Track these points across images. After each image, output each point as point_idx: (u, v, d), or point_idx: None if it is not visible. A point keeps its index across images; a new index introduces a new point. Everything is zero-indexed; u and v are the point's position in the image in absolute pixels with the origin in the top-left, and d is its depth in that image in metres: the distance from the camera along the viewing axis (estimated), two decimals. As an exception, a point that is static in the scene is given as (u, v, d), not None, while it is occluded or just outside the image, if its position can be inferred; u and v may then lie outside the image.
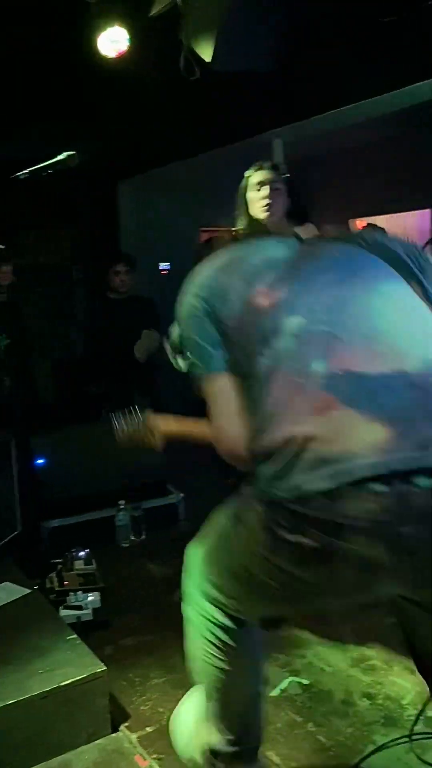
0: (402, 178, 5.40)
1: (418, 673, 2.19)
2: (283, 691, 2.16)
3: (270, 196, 2.47)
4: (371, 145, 5.29)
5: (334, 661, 2.31)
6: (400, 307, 1.25)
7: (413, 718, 1.98)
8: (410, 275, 1.30)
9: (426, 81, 3.56)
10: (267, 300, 1.25)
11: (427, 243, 3.00)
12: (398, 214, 6.25)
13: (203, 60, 3.16)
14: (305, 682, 2.20)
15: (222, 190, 3.18)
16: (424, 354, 1.15)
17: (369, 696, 2.12)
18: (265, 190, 2.47)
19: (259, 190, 2.49)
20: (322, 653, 2.35)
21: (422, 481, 1.01)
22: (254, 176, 2.51)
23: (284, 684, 2.19)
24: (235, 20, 3.21)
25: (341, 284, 1.26)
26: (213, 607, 1.39)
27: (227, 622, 1.39)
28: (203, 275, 1.41)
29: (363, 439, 1.05)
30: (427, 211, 5.52)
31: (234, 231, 2.70)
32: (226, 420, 1.26)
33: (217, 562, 1.36)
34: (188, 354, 1.35)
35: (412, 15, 3.40)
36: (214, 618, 1.40)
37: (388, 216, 5.98)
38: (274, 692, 2.14)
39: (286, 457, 1.09)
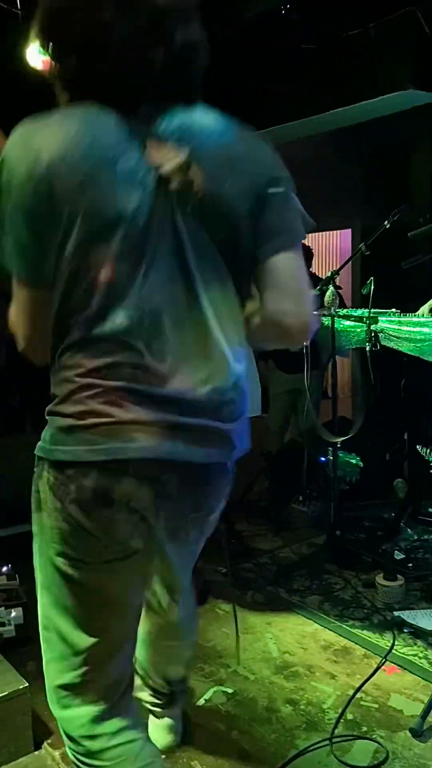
0: (324, 199, 5.59)
1: (339, 678, 2.27)
2: (207, 700, 2.18)
3: None
4: (294, 166, 5.45)
5: (258, 670, 2.35)
6: (205, 328, 1.26)
7: (333, 721, 2.04)
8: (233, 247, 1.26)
9: (346, 107, 3.73)
10: (105, 271, 1.18)
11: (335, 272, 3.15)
12: (321, 233, 6.48)
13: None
14: (229, 690, 2.23)
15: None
16: (208, 383, 1.26)
17: (291, 702, 2.17)
18: None
19: None
20: (247, 662, 2.39)
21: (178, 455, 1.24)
22: None
23: (209, 694, 2.20)
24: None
25: (170, 285, 1.23)
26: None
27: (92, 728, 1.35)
28: (69, 159, 1.14)
29: (139, 436, 1.20)
30: (349, 230, 5.74)
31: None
32: (30, 332, 1.29)
33: (42, 592, 1.36)
34: (5, 242, 1.21)
35: (332, 44, 3.57)
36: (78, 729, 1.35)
37: (310, 235, 6.18)
38: (199, 702, 2.16)
39: (72, 425, 1.20)
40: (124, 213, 1.16)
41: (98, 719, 1.33)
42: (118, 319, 1.19)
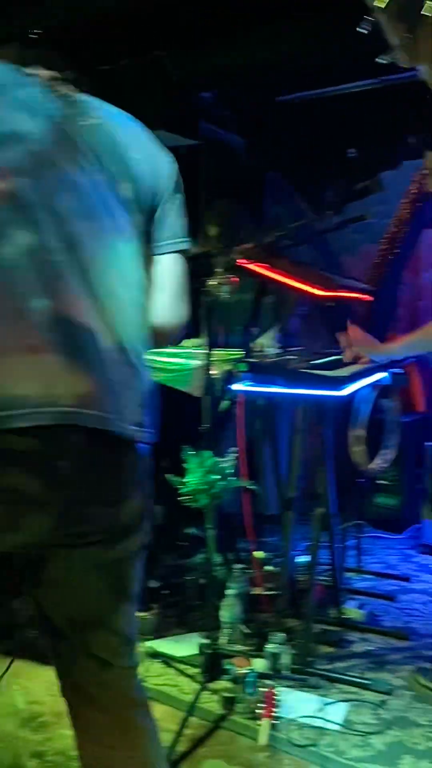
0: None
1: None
2: None
3: None
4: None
5: (2, 725, 2.18)
6: (124, 272, 1.22)
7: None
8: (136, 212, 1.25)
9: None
10: (2, 183, 1.09)
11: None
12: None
13: None
14: (-31, 755, 2.04)
15: None
16: (127, 330, 1.18)
17: (38, 755, 2.05)
18: None
19: None
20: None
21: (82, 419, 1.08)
22: None
23: None
24: None
25: (83, 219, 1.15)
26: None
27: None
28: None
29: (48, 384, 1.06)
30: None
31: None
32: None
33: None
34: None
35: (85, 75, 3.59)
36: None
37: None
38: None
39: None
40: (19, 131, 1.14)
41: None
42: (25, 236, 1.09)
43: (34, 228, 1.09)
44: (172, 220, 1.30)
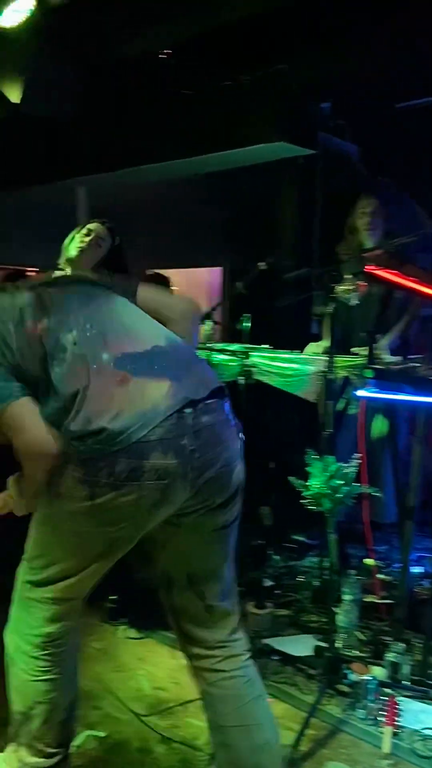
0: (196, 237, 5.75)
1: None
2: (78, 747, 2.08)
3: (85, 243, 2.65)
4: (170, 203, 5.58)
5: (130, 710, 2.28)
6: (130, 312, 1.70)
7: (207, 758, 2.03)
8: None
9: (220, 153, 3.89)
10: (37, 329, 1.56)
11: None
12: (192, 270, 6.64)
13: (11, 101, 3.15)
14: (101, 734, 2.15)
15: (24, 229, 3.13)
16: (162, 337, 1.64)
17: (165, 741, 2.13)
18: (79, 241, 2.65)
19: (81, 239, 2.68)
20: (119, 703, 2.32)
21: (188, 410, 1.50)
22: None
23: (79, 739, 2.10)
24: (43, 66, 3.25)
25: (88, 305, 1.64)
26: (40, 608, 1.57)
27: (50, 627, 1.58)
28: None
29: (155, 393, 1.49)
30: (218, 268, 5.94)
31: (34, 270, 2.70)
32: (37, 429, 1.51)
33: (44, 548, 1.57)
34: None
35: (208, 92, 3.72)
36: (38, 628, 1.58)
37: (182, 270, 6.31)
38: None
39: (103, 421, 1.42)
40: None
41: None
42: (69, 335, 1.62)
43: (71, 331, 1.59)
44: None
